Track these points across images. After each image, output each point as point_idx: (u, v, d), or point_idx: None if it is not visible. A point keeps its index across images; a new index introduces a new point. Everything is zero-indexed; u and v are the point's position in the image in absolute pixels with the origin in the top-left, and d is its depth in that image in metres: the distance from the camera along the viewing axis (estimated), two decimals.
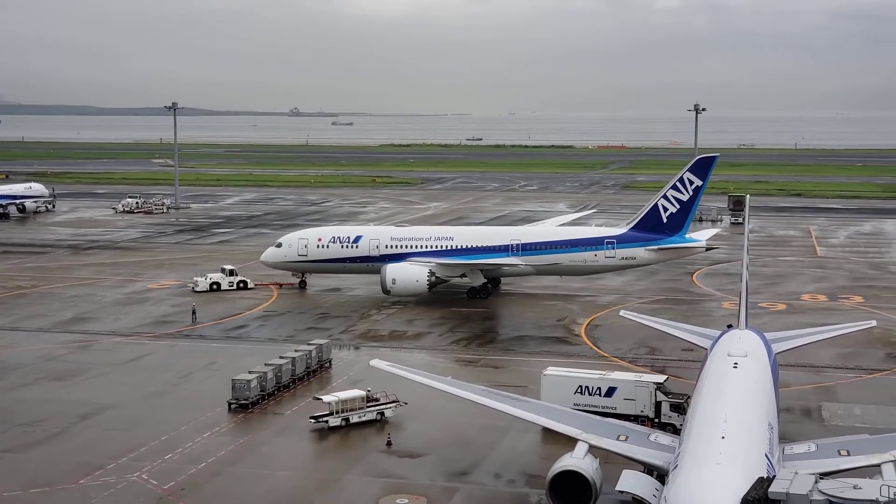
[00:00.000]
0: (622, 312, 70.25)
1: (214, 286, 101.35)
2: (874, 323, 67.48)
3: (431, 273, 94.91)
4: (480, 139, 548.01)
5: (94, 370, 71.90)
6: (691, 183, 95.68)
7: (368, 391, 59.84)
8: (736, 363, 47.27)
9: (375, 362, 56.07)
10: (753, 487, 34.61)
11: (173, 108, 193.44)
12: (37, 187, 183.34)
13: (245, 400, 61.56)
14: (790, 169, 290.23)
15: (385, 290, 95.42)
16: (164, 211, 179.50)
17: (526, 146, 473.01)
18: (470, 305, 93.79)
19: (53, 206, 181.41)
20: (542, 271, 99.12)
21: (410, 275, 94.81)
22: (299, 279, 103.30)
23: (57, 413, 60.95)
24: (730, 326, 57.04)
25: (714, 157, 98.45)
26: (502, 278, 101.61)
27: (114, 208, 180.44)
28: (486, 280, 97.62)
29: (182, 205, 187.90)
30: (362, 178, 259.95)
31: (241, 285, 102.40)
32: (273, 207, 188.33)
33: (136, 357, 75.62)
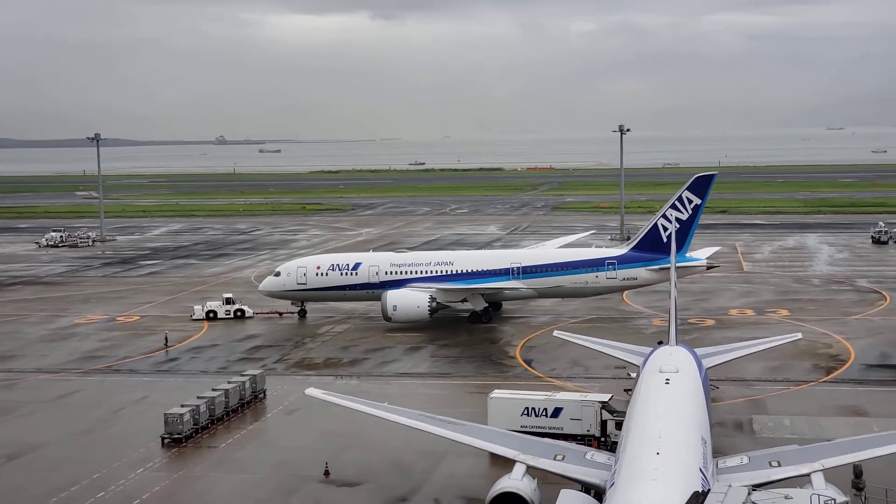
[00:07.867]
0: (555, 333, 70.66)
1: (211, 314, 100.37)
2: (800, 335, 69.51)
3: (432, 298, 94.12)
4: (423, 163, 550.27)
5: (20, 409, 70.11)
6: (690, 202, 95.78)
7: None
8: (668, 379, 47.94)
9: (310, 391, 55.64)
10: (689, 502, 35.12)
11: (96, 140, 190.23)
12: None
13: (178, 434, 60.65)
14: (715, 186, 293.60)
15: (386, 317, 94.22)
16: (90, 244, 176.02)
17: (455, 169, 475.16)
18: (404, 331, 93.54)
19: None
20: (543, 294, 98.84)
21: (412, 301, 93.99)
22: (299, 308, 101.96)
23: None
24: (661, 343, 57.86)
25: (713, 176, 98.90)
26: (504, 302, 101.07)
27: (37, 242, 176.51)
28: (487, 304, 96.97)
29: (108, 237, 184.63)
30: (292, 206, 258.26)
31: (239, 314, 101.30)
32: (201, 237, 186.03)
33: (65, 394, 74.00)
